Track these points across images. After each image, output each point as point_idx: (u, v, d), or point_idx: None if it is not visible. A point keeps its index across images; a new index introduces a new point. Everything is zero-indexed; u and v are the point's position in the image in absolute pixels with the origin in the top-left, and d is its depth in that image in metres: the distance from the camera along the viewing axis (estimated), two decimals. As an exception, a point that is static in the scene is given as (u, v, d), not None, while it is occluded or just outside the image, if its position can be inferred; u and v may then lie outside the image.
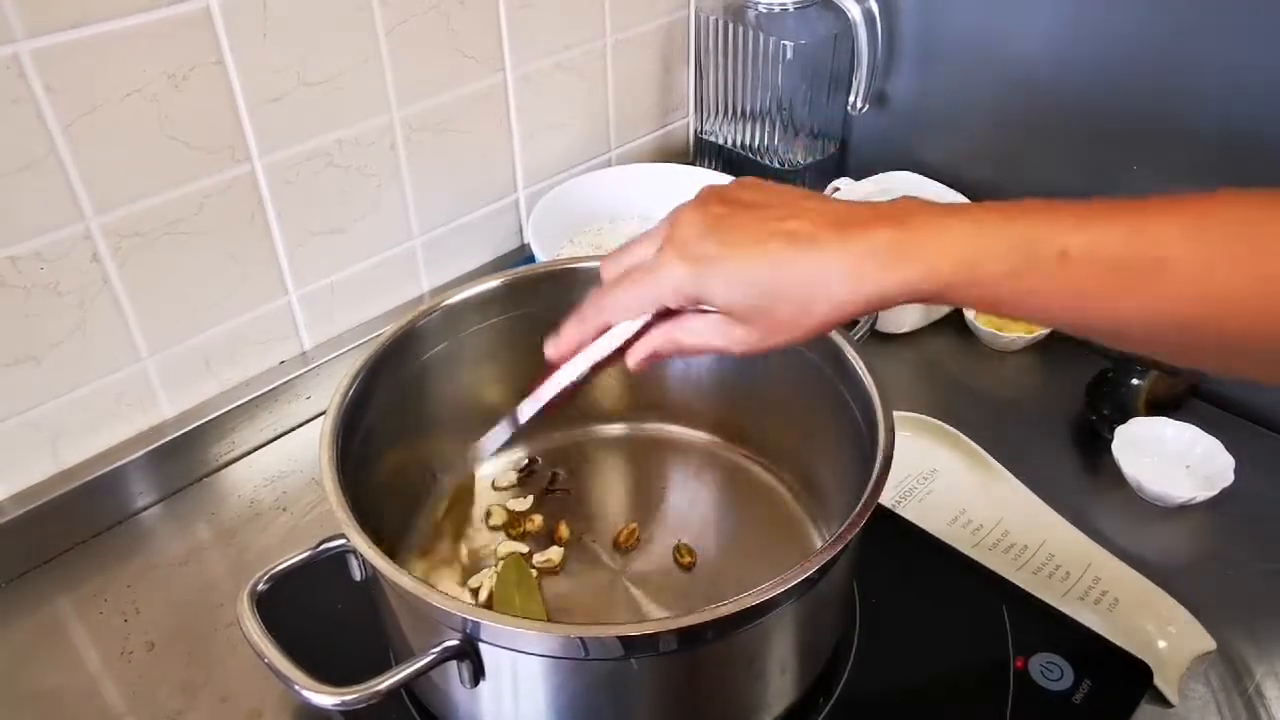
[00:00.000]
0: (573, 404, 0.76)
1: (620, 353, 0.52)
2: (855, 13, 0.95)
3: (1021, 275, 0.42)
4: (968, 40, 0.93)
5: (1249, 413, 0.84)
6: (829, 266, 0.44)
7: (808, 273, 0.44)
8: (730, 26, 1.00)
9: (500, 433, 0.59)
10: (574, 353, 0.53)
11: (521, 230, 1.01)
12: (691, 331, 0.49)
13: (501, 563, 0.68)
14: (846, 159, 1.08)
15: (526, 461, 0.77)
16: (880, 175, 1.00)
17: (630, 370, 0.52)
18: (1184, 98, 0.80)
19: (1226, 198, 0.41)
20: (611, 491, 0.75)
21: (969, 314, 0.93)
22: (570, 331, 0.53)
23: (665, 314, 0.50)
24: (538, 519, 0.72)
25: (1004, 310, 0.44)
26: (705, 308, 0.49)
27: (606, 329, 0.51)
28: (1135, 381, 0.85)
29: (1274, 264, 0.39)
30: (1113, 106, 0.84)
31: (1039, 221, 0.42)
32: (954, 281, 0.43)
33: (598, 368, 0.53)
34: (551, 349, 0.54)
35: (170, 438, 0.79)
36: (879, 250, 0.44)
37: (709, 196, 0.49)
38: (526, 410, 0.56)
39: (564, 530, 0.71)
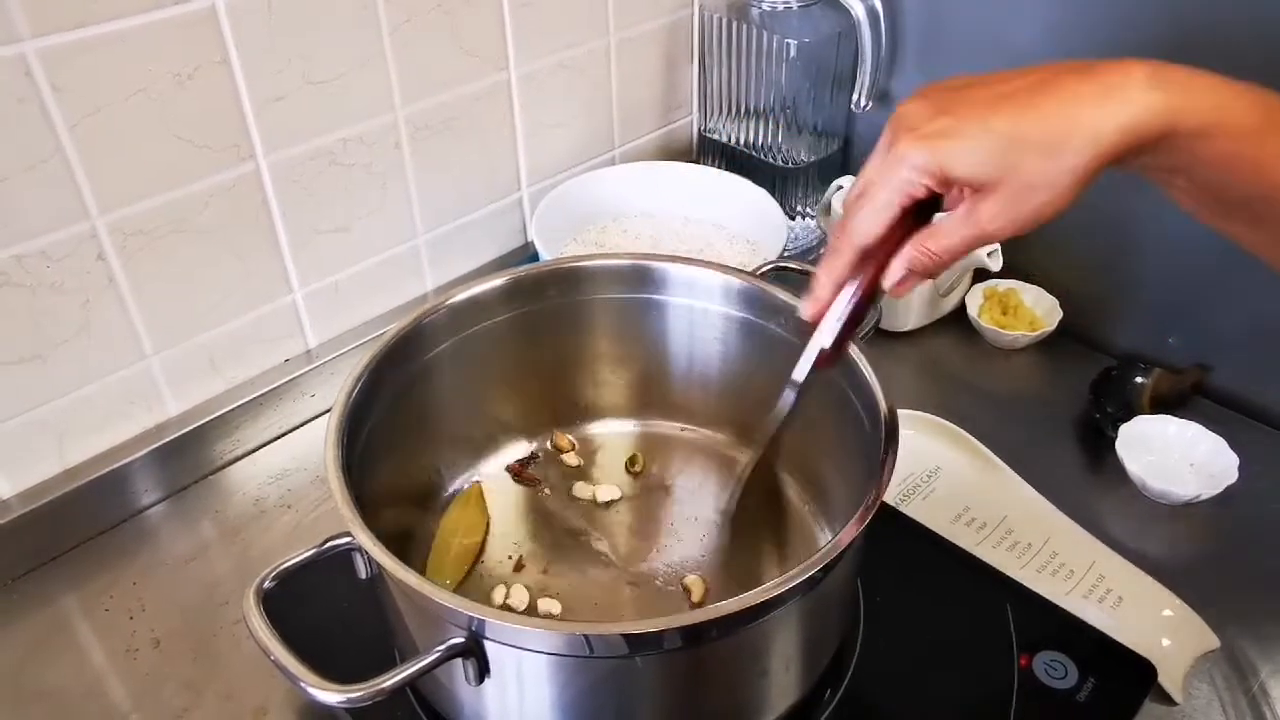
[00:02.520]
0: (579, 401, 0.78)
1: (874, 283, 0.49)
2: (859, 11, 0.95)
3: (1264, 134, 0.41)
4: (971, 38, 0.93)
5: (1253, 411, 0.84)
6: (1081, 99, 0.41)
7: (1054, 108, 0.41)
8: (734, 24, 1.00)
9: (786, 401, 0.58)
10: (833, 295, 0.51)
11: (525, 228, 1.01)
12: (940, 233, 0.46)
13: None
14: (850, 157, 1.08)
15: (528, 455, 0.77)
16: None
17: (891, 295, 0.49)
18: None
19: None
20: (617, 488, 0.75)
21: (973, 312, 0.93)
22: (823, 275, 0.50)
23: (910, 230, 0.47)
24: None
25: (1243, 166, 0.42)
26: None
27: (860, 253, 0.48)
28: (1139, 379, 0.85)
29: None
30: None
31: (1271, 93, 0.41)
32: (1208, 122, 0.40)
33: (861, 307, 0.50)
34: (809, 307, 0.52)
35: (175, 436, 0.79)
36: (1134, 79, 0.41)
37: (927, 88, 0.46)
38: (803, 371, 0.55)
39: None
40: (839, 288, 0.50)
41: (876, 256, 0.49)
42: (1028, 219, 0.43)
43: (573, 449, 0.77)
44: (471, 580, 0.68)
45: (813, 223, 1.07)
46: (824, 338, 0.53)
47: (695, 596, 0.66)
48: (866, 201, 0.46)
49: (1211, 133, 0.41)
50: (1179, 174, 0.44)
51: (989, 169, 0.42)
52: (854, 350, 0.62)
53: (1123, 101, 0.40)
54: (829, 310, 0.52)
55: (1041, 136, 0.41)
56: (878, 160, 0.47)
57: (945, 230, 0.46)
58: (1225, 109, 0.40)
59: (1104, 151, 0.41)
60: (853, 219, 0.47)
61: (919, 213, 0.48)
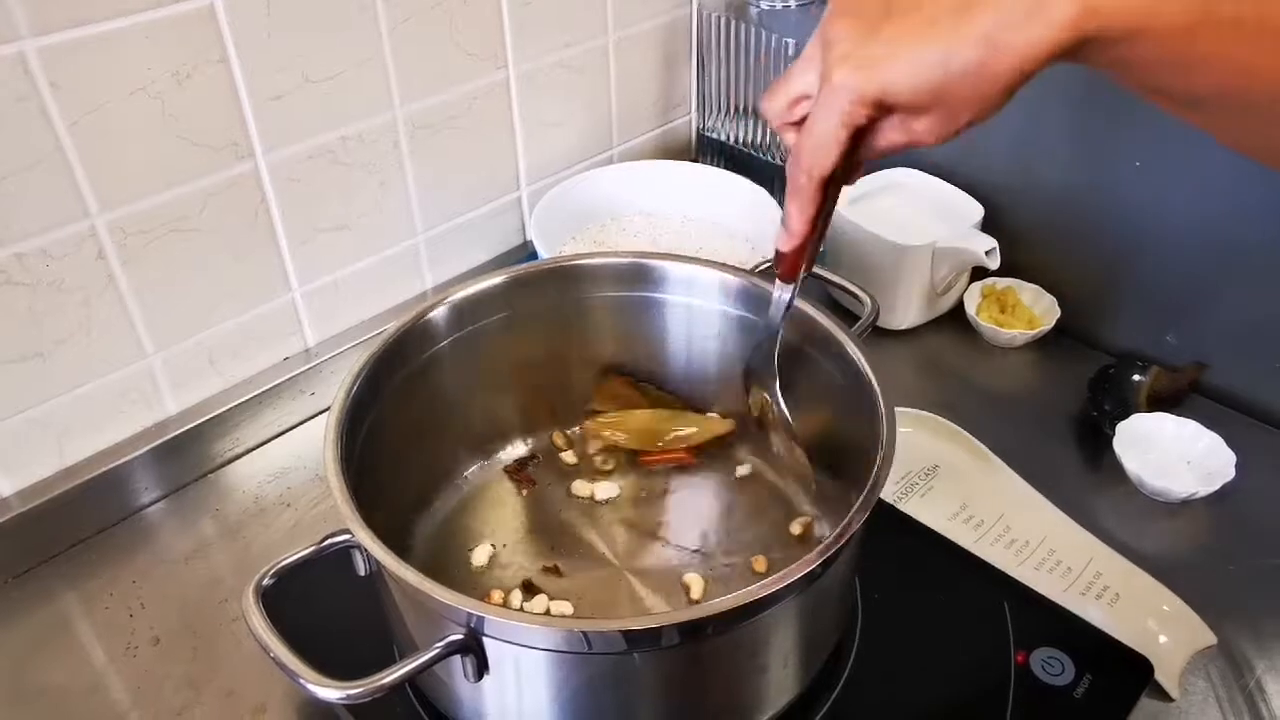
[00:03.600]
0: (576, 398, 0.78)
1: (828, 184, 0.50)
2: (857, 10, 0.95)
3: (1194, 33, 0.41)
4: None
5: (1251, 409, 0.84)
6: (1003, 17, 0.41)
7: (983, 28, 0.42)
8: (732, 24, 1.01)
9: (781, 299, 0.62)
10: (810, 227, 0.53)
11: (524, 227, 1.01)
12: (881, 134, 0.47)
13: None
14: (848, 156, 1.08)
15: (526, 455, 0.77)
16: (881, 172, 1.00)
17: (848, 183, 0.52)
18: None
19: None
20: (615, 485, 0.75)
21: (970, 310, 0.93)
22: (793, 208, 0.52)
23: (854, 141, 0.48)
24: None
25: (1171, 72, 0.43)
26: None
27: (824, 182, 0.50)
28: (1137, 377, 0.85)
29: None
30: (1114, 100, 0.85)
31: None
32: (1136, 25, 0.41)
33: (815, 220, 0.53)
34: (784, 239, 0.54)
35: (175, 434, 0.79)
36: None
37: (857, 2, 0.46)
38: (784, 298, 0.61)
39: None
40: (812, 221, 0.52)
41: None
42: (958, 130, 0.46)
43: (570, 447, 0.77)
44: (469, 579, 0.68)
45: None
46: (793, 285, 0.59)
47: (694, 593, 0.66)
48: (814, 135, 0.48)
49: (1135, 37, 0.41)
50: (1116, 71, 0.45)
51: (925, 95, 0.44)
52: (852, 348, 0.62)
53: (1045, 22, 0.41)
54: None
55: (970, 62, 0.42)
56: (805, 74, 0.49)
57: (883, 134, 0.47)
58: (1153, 11, 0.41)
59: (1029, 69, 0.42)
60: (805, 155, 0.49)
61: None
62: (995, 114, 0.45)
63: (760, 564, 0.68)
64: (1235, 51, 0.41)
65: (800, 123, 0.50)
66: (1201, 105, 0.45)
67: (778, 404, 0.67)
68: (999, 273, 0.91)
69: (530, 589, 0.67)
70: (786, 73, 0.51)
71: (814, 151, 0.48)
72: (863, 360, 0.61)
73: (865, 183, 0.99)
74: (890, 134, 0.47)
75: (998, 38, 0.42)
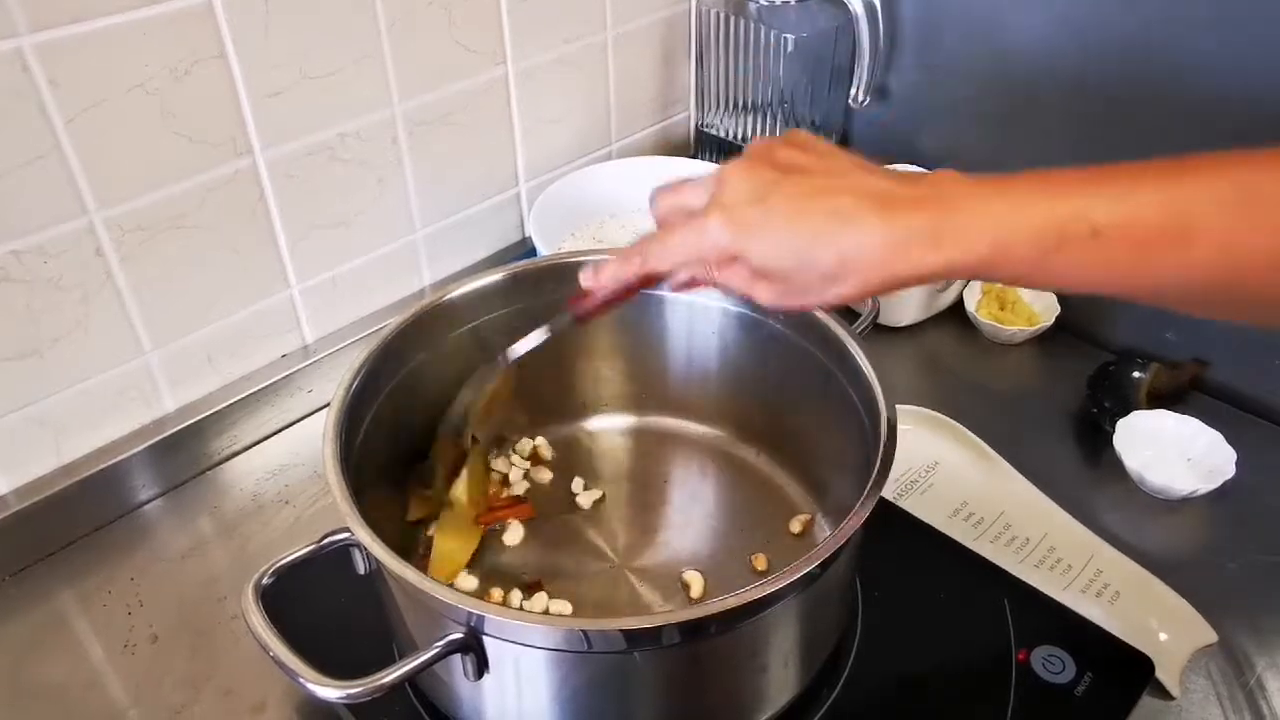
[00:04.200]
0: (576, 396, 0.78)
1: (655, 279, 0.54)
2: (856, 6, 0.95)
3: (1053, 253, 0.43)
4: (968, 32, 0.93)
5: (1251, 405, 0.84)
6: (865, 246, 0.45)
7: (845, 249, 0.45)
8: (731, 20, 1.00)
9: (535, 336, 0.62)
10: (610, 288, 0.55)
11: (523, 224, 1.01)
12: (726, 275, 0.51)
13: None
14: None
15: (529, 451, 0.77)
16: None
17: (671, 290, 0.55)
18: (1185, 86, 0.80)
19: (1254, 159, 0.42)
20: (615, 483, 0.75)
21: (970, 307, 0.93)
22: (612, 269, 0.54)
23: None
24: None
25: (1031, 284, 0.47)
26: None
27: (648, 273, 0.53)
28: (1137, 374, 0.85)
29: None
30: (1114, 96, 0.84)
31: (1071, 196, 0.43)
32: (983, 263, 0.44)
33: (636, 288, 0.55)
34: (590, 278, 0.56)
35: (173, 431, 0.79)
36: (914, 234, 0.45)
37: (759, 158, 0.50)
38: (565, 319, 0.59)
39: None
40: (619, 284, 0.55)
41: None
42: (793, 308, 0.50)
43: (544, 463, 0.77)
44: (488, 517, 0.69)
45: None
46: (558, 323, 0.60)
47: (694, 592, 0.66)
48: (672, 243, 0.51)
49: (988, 272, 0.45)
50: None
51: (775, 269, 0.48)
52: (853, 345, 0.62)
53: (896, 263, 0.45)
54: (580, 303, 0.58)
55: (828, 266, 0.46)
56: (698, 195, 0.51)
57: (728, 275, 0.51)
58: (1004, 250, 0.44)
59: (872, 292, 0.47)
60: (657, 246, 0.52)
61: None
62: (831, 310, 0.50)
63: (760, 562, 0.68)
64: (1097, 262, 0.43)
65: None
66: (1081, 293, 0.47)
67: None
68: (999, 269, 0.91)
69: (530, 587, 0.66)
70: (683, 184, 0.53)
71: (659, 253, 0.52)
72: (863, 357, 0.61)
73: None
74: (733, 278, 0.51)
75: (847, 262, 0.46)
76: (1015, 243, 0.43)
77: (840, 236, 0.45)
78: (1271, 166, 0.42)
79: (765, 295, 0.50)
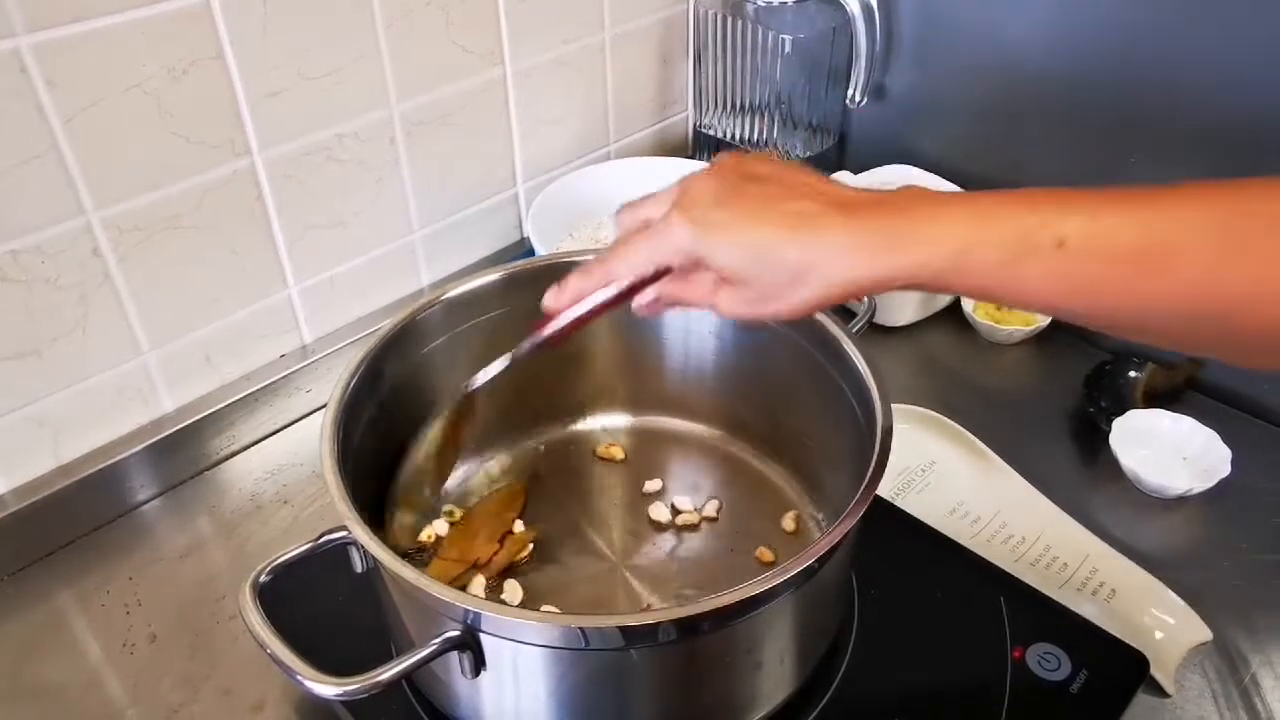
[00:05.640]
0: (574, 395, 0.78)
1: (623, 299, 0.53)
2: (854, 6, 0.95)
3: (1015, 264, 0.42)
4: (966, 33, 0.93)
5: (1246, 405, 0.84)
6: (828, 246, 0.45)
7: (806, 249, 0.45)
8: (729, 20, 1.00)
9: (497, 365, 0.61)
10: (575, 304, 0.54)
11: (521, 224, 1.01)
12: (690, 286, 0.51)
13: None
14: (845, 153, 1.08)
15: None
16: (879, 169, 1.00)
17: (634, 312, 0.54)
18: (1183, 88, 0.80)
19: (1239, 188, 0.40)
20: (613, 482, 0.75)
21: (967, 306, 0.93)
22: (574, 283, 0.54)
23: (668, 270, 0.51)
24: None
25: (1002, 298, 0.45)
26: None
27: (610, 284, 0.52)
28: (1133, 374, 0.85)
29: None
30: (1112, 98, 0.85)
31: (1039, 209, 0.42)
32: (947, 269, 0.43)
33: (599, 311, 0.54)
34: (552, 298, 0.55)
35: (171, 431, 0.79)
36: (876, 236, 0.44)
37: (722, 167, 0.50)
38: (526, 346, 0.58)
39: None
40: (582, 298, 0.54)
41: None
42: (757, 316, 0.49)
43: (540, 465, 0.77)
44: (465, 577, 0.68)
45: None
46: (524, 348, 0.58)
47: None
48: (634, 248, 0.51)
49: (959, 274, 0.44)
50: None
51: (741, 274, 0.48)
52: (849, 345, 0.62)
53: (859, 265, 0.45)
54: (543, 327, 0.56)
55: (790, 267, 0.46)
56: (659, 207, 0.51)
57: (694, 286, 0.51)
58: (967, 254, 0.43)
59: (839, 295, 0.46)
60: (617, 255, 0.52)
61: None
62: (797, 318, 0.49)
63: (766, 555, 0.68)
64: (1066, 276, 0.42)
65: None
66: (1058, 315, 0.46)
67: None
68: (995, 269, 0.91)
69: (524, 585, 0.67)
70: (645, 198, 0.53)
71: (620, 261, 0.51)
72: (859, 357, 0.61)
73: (862, 180, 0.99)
74: (696, 288, 0.51)
75: (808, 265, 0.46)
76: (974, 249, 0.43)
77: (803, 235, 0.45)
78: (1258, 194, 0.40)
79: (728, 304, 0.50)
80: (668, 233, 0.49)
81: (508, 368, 0.61)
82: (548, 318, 0.55)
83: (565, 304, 0.54)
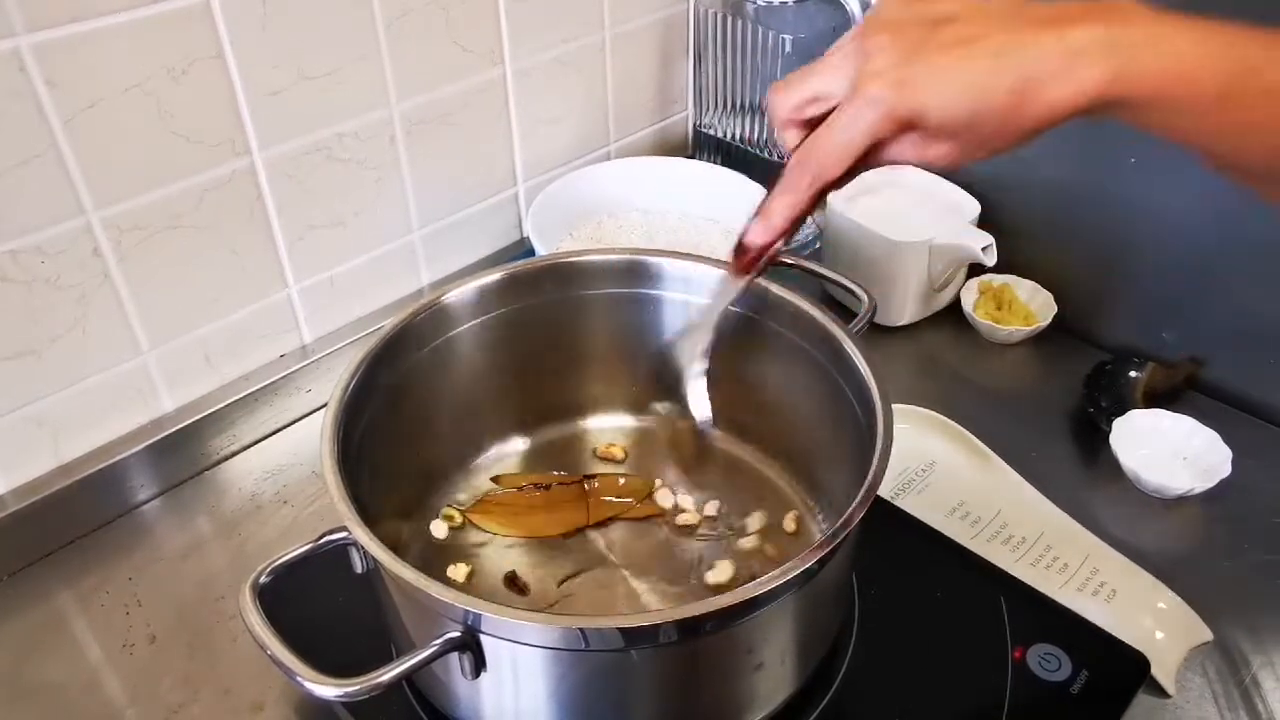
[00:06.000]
0: (574, 395, 0.78)
1: (824, 193, 0.50)
2: (853, 6, 0.95)
3: (1229, 102, 0.41)
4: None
5: (1246, 405, 0.84)
6: (1042, 63, 0.42)
7: (1025, 66, 0.42)
8: (729, 20, 1.00)
9: (712, 307, 0.61)
10: (790, 223, 0.51)
11: (521, 224, 1.01)
12: (895, 149, 0.48)
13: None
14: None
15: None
16: (877, 169, 1.00)
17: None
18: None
19: None
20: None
21: (967, 307, 0.93)
22: (782, 202, 0.50)
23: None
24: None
25: (1205, 141, 0.43)
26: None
27: (822, 190, 0.49)
28: (1133, 374, 0.85)
29: None
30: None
31: (1255, 49, 0.41)
32: (1164, 94, 0.41)
33: (801, 219, 0.51)
34: (761, 230, 0.52)
35: (171, 431, 0.79)
36: (1096, 45, 0.42)
37: (894, 18, 0.46)
38: (732, 293, 0.58)
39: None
40: (796, 220, 0.51)
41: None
42: (971, 160, 0.46)
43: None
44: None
45: (809, 218, 1.07)
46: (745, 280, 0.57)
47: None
48: (833, 141, 0.47)
49: (1164, 105, 0.42)
50: (1158, 134, 0.45)
51: (954, 124, 0.44)
52: (849, 345, 0.62)
53: (1074, 81, 0.42)
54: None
55: (1003, 102, 0.43)
56: (832, 79, 0.48)
57: (896, 150, 0.47)
58: (1185, 77, 0.41)
59: (1054, 120, 0.43)
60: (818, 157, 0.48)
61: None
62: (1013, 151, 0.45)
63: (766, 554, 0.68)
64: (1263, 118, 0.41)
65: (807, 122, 0.50)
66: (1249, 171, 0.45)
67: (694, 405, 0.65)
68: (995, 269, 0.91)
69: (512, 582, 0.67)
70: (806, 70, 0.49)
71: (828, 155, 0.47)
72: (859, 357, 0.61)
73: (862, 179, 0.99)
74: (904, 150, 0.47)
75: (1028, 87, 0.42)
76: (1198, 79, 0.40)
77: (1012, 64, 0.42)
78: None
79: (941, 155, 0.46)
80: (869, 105, 0.45)
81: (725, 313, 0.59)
82: (746, 254, 0.52)
83: (781, 227, 0.51)
